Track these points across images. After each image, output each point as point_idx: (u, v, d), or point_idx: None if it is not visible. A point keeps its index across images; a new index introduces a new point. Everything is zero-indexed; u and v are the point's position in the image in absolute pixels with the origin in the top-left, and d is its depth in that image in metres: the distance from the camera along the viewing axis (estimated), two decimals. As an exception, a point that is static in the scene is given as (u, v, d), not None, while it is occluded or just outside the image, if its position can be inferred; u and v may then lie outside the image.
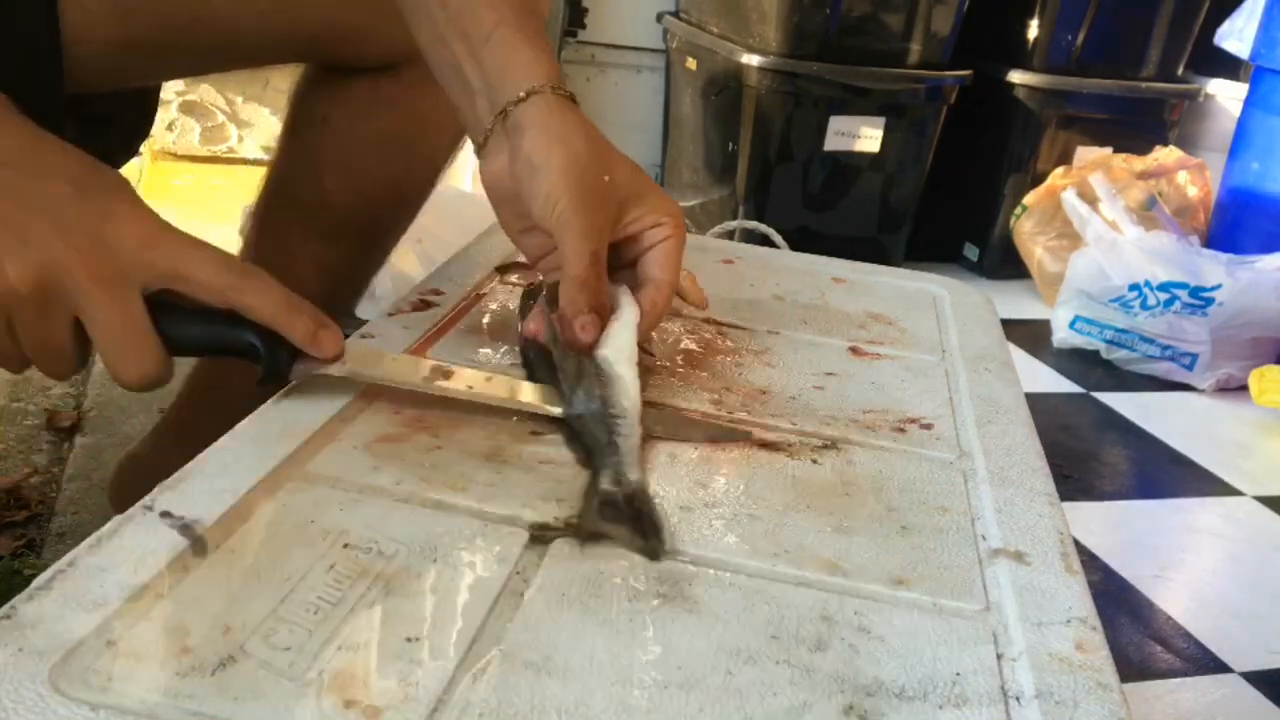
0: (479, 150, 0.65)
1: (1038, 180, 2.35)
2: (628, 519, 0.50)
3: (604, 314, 0.61)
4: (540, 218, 0.60)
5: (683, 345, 0.72)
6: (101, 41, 0.75)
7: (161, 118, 2.20)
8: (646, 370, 0.62)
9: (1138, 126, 2.45)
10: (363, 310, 1.06)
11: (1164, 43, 2.40)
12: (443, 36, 0.64)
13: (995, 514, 0.55)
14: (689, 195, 2.39)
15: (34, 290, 0.50)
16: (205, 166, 2.34)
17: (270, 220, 0.95)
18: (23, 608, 0.39)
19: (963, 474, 0.60)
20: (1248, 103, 2.33)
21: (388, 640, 0.40)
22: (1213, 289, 1.96)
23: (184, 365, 0.54)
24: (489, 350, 0.67)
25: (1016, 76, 2.35)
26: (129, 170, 0.79)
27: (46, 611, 0.39)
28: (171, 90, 2.28)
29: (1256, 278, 1.97)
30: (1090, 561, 1.39)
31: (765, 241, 1.43)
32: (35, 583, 0.40)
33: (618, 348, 0.60)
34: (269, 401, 0.56)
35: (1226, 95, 2.59)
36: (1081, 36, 2.35)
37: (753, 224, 1.57)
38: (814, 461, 0.59)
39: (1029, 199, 2.31)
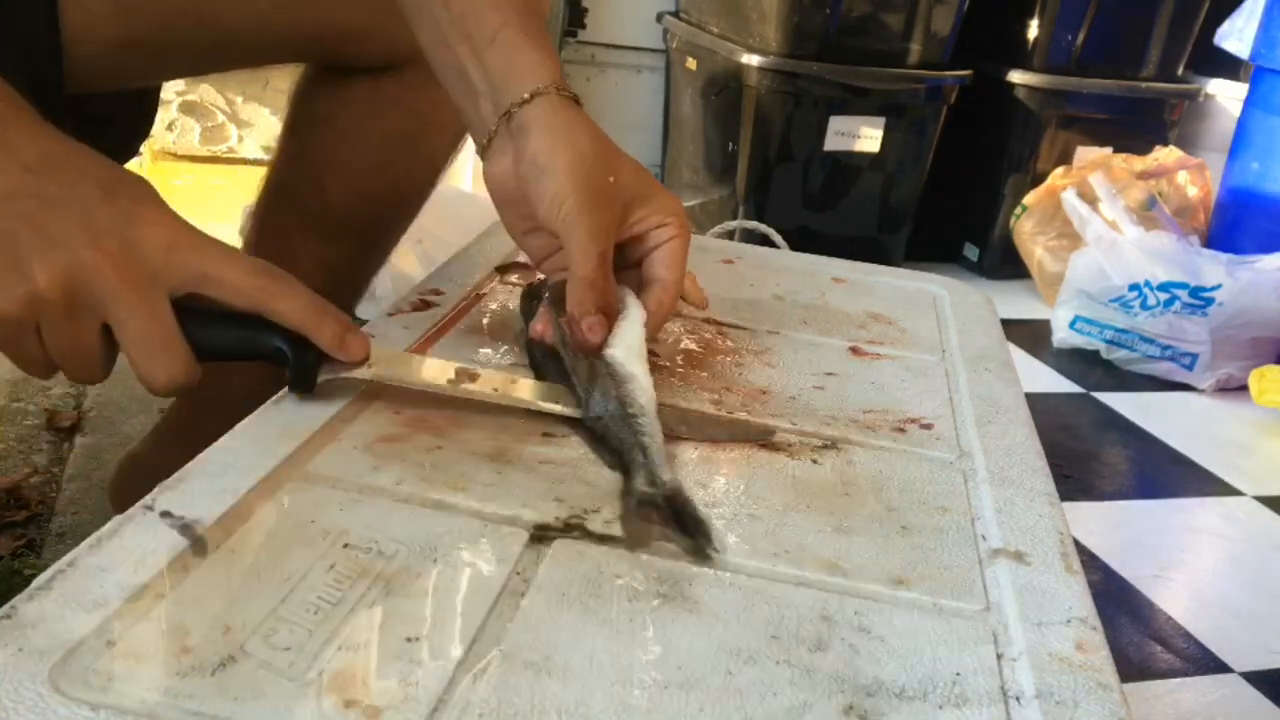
0: (483, 152, 0.65)
1: (1038, 180, 2.35)
2: (670, 520, 0.50)
3: (611, 314, 0.61)
4: (546, 219, 0.60)
5: (683, 345, 0.72)
6: (101, 41, 0.75)
7: (161, 118, 2.19)
8: (652, 369, 0.62)
9: (1138, 126, 2.45)
10: (363, 310, 1.06)
11: (1164, 43, 2.40)
12: (446, 38, 0.64)
13: (995, 514, 0.55)
14: (689, 195, 2.39)
15: (63, 293, 0.50)
16: (205, 166, 2.34)
17: (270, 220, 0.95)
18: (23, 608, 0.39)
19: (963, 474, 0.60)
20: (1248, 103, 2.33)
21: (388, 640, 0.40)
22: (1213, 289, 1.96)
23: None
24: (489, 350, 0.67)
25: (1016, 76, 2.35)
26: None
27: (46, 611, 0.39)
28: (171, 90, 2.28)
29: (1256, 278, 1.97)
30: (1090, 561, 1.39)
31: (765, 241, 1.43)
32: (35, 583, 0.40)
33: (627, 346, 0.60)
34: (269, 401, 0.56)
35: (1226, 95, 2.59)
36: (1081, 36, 2.35)
37: (753, 224, 1.57)
38: (814, 461, 0.59)
39: (1029, 199, 2.31)
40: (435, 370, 0.60)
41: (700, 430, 0.60)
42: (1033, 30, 2.35)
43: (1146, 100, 2.44)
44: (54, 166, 0.52)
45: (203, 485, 0.47)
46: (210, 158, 2.40)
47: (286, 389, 0.56)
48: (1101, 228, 2.08)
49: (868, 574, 0.49)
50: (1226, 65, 2.49)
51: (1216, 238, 2.34)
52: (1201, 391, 1.99)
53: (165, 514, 0.45)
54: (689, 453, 0.57)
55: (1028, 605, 0.48)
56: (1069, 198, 2.13)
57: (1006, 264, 2.42)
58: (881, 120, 2.22)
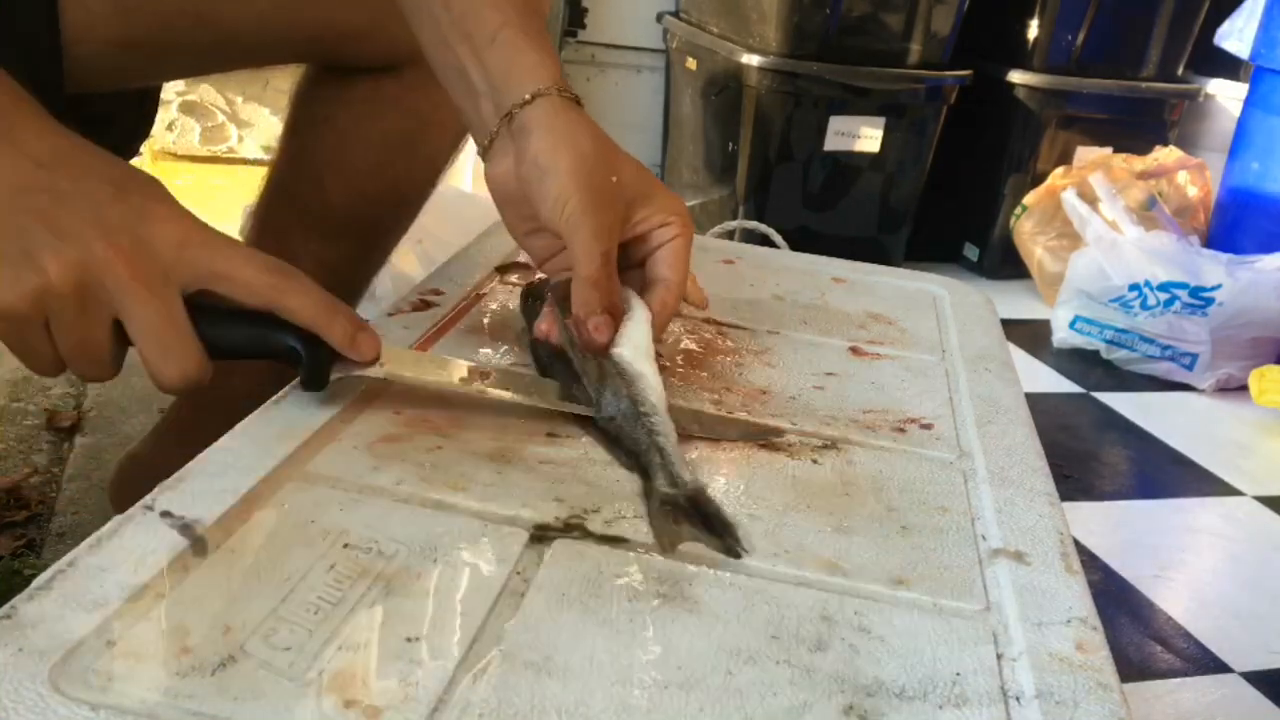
0: (484, 152, 0.65)
1: (1038, 180, 2.35)
2: (697, 520, 0.50)
3: (617, 314, 0.61)
4: (549, 219, 0.60)
5: (683, 345, 0.72)
6: (101, 41, 0.75)
7: (161, 118, 2.19)
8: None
9: (1138, 126, 2.45)
10: (363, 310, 1.05)
11: (1164, 43, 2.40)
12: (446, 38, 0.64)
13: (995, 514, 0.55)
14: (689, 195, 2.39)
15: (75, 288, 0.50)
16: (205, 166, 2.34)
17: (270, 220, 0.95)
18: (23, 608, 0.39)
19: (963, 474, 0.60)
20: (1248, 103, 2.33)
21: (388, 640, 0.40)
22: (1213, 289, 1.96)
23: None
24: (489, 350, 0.67)
25: (1016, 76, 2.35)
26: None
27: (46, 611, 0.39)
28: (171, 90, 2.28)
29: (1256, 278, 1.97)
30: (1090, 561, 1.39)
31: (765, 241, 1.43)
32: (35, 583, 0.40)
33: (634, 345, 0.60)
34: (269, 401, 0.56)
35: (1226, 95, 2.59)
36: (1081, 36, 2.35)
37: (753, 224, 1.57)
38: (814, 461, 0.59)
39: (1029, 199, 2.31)
40: (448, 369, 0.60)
41: (713, 429, 0.60)
42: (1033, 30, 2.35)
43: (1146, 100, 2.44)
44: (64, 162, 0.52)
45: (203, 485, 0.47)
46: (210, 158, 2.40)
47: (286, 389, 0.56)
48: (1101, 228, 2.08)
49: (868, 574, 0.49)
50: (1226, 65, 2.49)
51: (1216, 238, 2.34)
52: (1201, 391, 1.99)
53: (165, 514, 0.45)
54: (689, 453, 0.57)
55: (1028, 605, 0.48)
56: (1069, 198, 2.13)
57: (1006, 264, 2.42)
58: (881, 120, 2.22)
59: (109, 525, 0.44)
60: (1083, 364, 2.06)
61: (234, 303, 0.53)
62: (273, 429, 0.53)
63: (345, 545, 0.45)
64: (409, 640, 0.40)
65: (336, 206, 0.92)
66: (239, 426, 0.53)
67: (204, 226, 0.53)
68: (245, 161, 2.40)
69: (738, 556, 0.48)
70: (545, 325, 0.64)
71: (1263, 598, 1.38)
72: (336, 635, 0.40)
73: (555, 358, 0.63)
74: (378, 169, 0.92)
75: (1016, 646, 0.45)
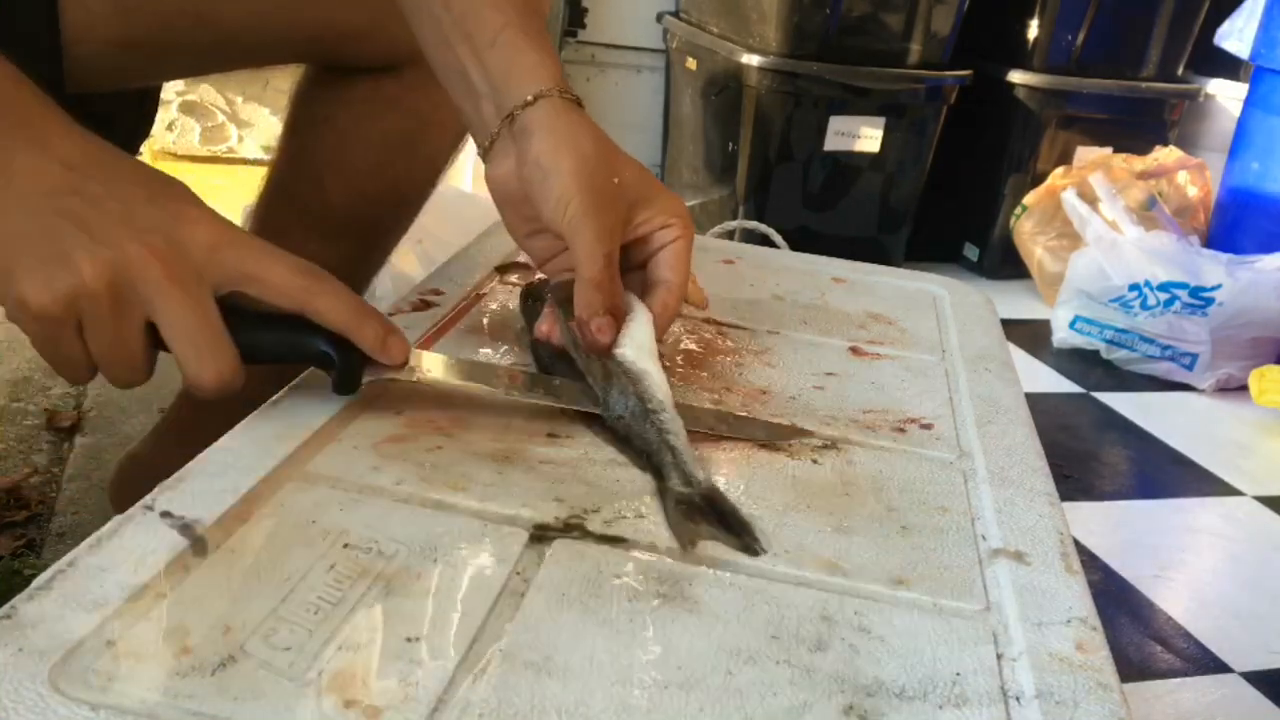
0: (484, 153, 0.65)
1: (1038, 180, 2.35)
2: (714, 518, 0.50)
3: (619, 315, 0.61)
4: (551, 220, 0.60)
5: (683, 345, 0.72)
6: (101, 41, 0.75)
7: (161, 118, 2.20)
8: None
9: (1138, 126, 2.45)
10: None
11: (1164, 43, 2.40)
12: (447, 39, 0.64)
13: (995, 514, 0.55)
14: (689, 195, 2.39)
15: (108, 288, 0.49)
16: (205, 166, 2.34)
17: (270, 220, 0.95)
18: (23, 608, 0.39)
19: (963, 474, 0.60)
20: (1248, 103, 2.33)
21: (388, 640, 0.40)
22: (1213, 289, 1.96)
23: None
24: (489, 350, 0.67)
25: (1016, 76, 2.35)
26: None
27: (46, 611, 0.39)
28: (171, 90, 2.29)
29: (1256, 278, 1.97)
30: (1090, 561, 1.39)
31: (765, 241, 1.43)
32: (35, 583, 0.40)
33: (637, 345, 0.60)
34: (269, 401, 0.56)
35: (1226, 95, 2.59)
36: (1081, 36, 2.35)
37: (753, 224, 1.57)
38: (814, 461, 0.59)
39: (1029, 199, 2.31)
40: (475, 371, 0.60)
41: (739, 429, 0.60)
42: (1033, 30, 2.35)
43: (1146, 100, 2.44)
44: (94, 165, 0.51)
45: (203, 485, 0.47)
46: (210, 158, 2.40)
47: (286, 389, 0.56)
48: (1101, 228, 2.08)
49: (868, 574, 0.49)
50: (1226, 65, 2.49)
51: (1216, 238, 2.34)
52: (1201, 391, 1.99)
53: (165, 514, 0.45)
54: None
55: (1028, 605, 0.48)
56: (1069, 198, 2.13)
57: (1006, 264, 2.42)
58: (881, 120, 2.22)
59: (109, 525, 0.44)
60: (1083, 364, 2.06)
61: (264, 305, 0.53)
62: (273, 429, 0.53)
63: (345, 545, 0.45)
64: (409, 640, 0.40)
65: (336, 206, 0.92)
66: (239, 426, 0.53)
67: (235, 229, 0.53)
68: (245, 161, 2.41)
69: (755, 554, 0.49)
70: (546, 326, 0.64)
71: (1263, 598, 1.38)
72: (336, 635, 0.40)
73: (557, 358, 0.63)
74: (378, 169, 0.92)
75: (1016, 646, 0.45)
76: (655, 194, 0.64)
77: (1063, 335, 2.10)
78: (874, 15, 2.15)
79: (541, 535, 0.48)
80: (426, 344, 0.66)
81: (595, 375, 0.60)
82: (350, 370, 0.55)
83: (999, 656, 0.44)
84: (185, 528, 0.44)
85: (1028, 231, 2.30)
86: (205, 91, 2.37)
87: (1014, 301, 2.33)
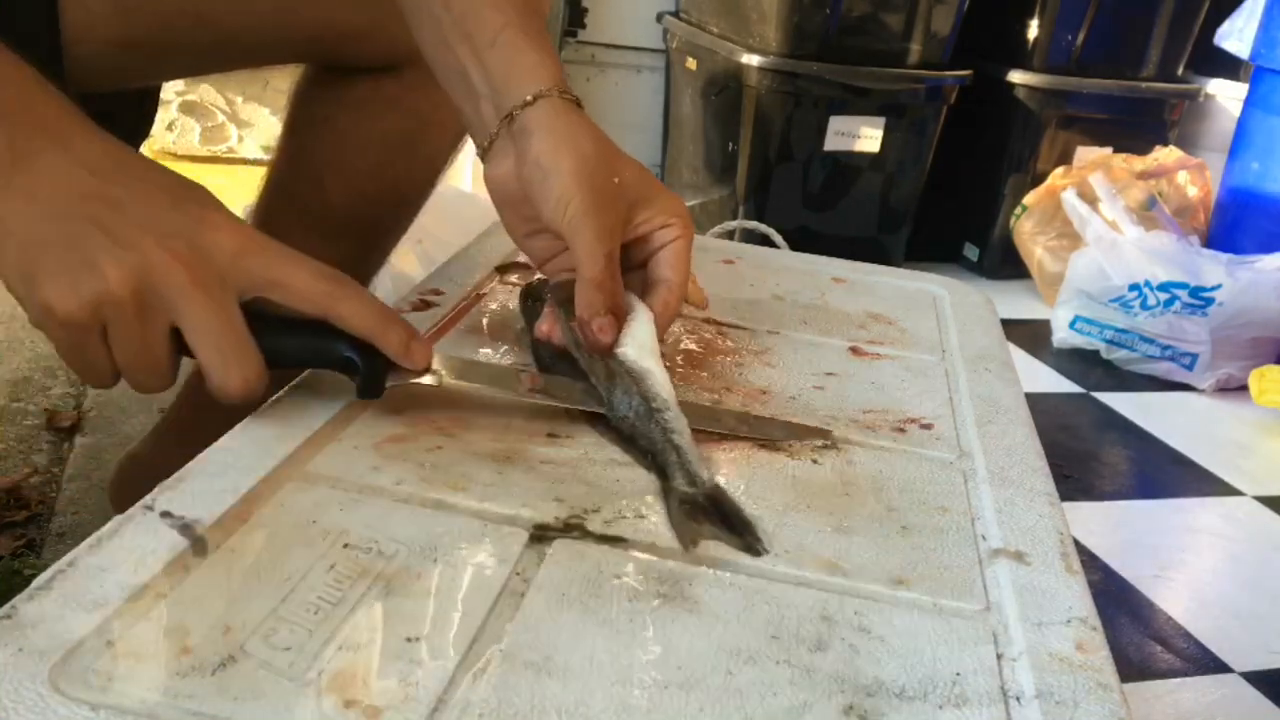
0: (483, 154, 0.65)
1: (1038, 180, 2.35)
2: (716, 518, 0.51)
3: (620, 315, 0.61)
4: (552, 220, 0.60)
5: (683, 345, 0.72)
6: (101, 41, 0.75)
7: (161, 118, 2.20)
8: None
9: (1138, 126, 2.45)
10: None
11: (1164, 43, 2.40)
12: (446, 39, 0.64)
13: (995, 514, 0.55)
14: (689, 195, 2.39)
15: (134, 294, 0.49)
16: (205, 166, 2.34)
17: (270, 220, 0.95)
18: (23, 608, 0.39)
19: (963, 474, 0.60)
20: (1248, 103, 2.33)
21: (388, 640, 0.40)
22: (1213, 289, 1.96)
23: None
24: (489, 350, 0.67)
25: (1016, 76, 2.35)
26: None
27: (46, 611, 0.39)
28: (171, 90, 2.29)
29: (1256, 278, 1.97)
30: (1090, 561, 1.39)
31: (765, 241, 1.43)
32: (35, 583, 0.40)
33: (639, 344, 0.60)
34: (269, 401, 0.56)
35: (1226, 95, 2.59)
36: (1081, 36, 2.35)
37: (753, 224, 1.57)
38: (814, 461, 0.59)
39: (1029, 199, 2.31)
40: (497, 375, 0.60)
41: (761, 429, 0.60)
42: (1033, 30, 2.35)
43: (1146, 100, 2.44)
44: (118, 170, 0.51)
45: (203, 485, 0.47)
46: (210, 158, 2.40)
47: (285, 389, 0.56)
48: (1101, 228, 2.08)
49: (868, 574, 0.49)
50: (1226, 65, 2.49)
51: (1216, 238, 2.34)
52: (1201, 391, 1.99)
53: (165, 514, 0.45)
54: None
55: (1028, 605, 0.48)
56: (1069, 198, 2.13)
57: (1006, 264, 2.42)
58: (881, 120, 2.22)
59: (109, 525, 0.44)
60: (1083, 364, 2.06)
61: (288, 310, 0.53)
62: (273, 429, 0.53)
63: (345, 545, 0.45)
64: (409, 640, 0.40)
65: (336, 206, 0.92)
66: (239, 426, 0.53)
67: (258, 235, 0.53)
68: (245, 161, 2.41)
69: (758, 554, 0.49)
70: (546, 326, 0.64)
71: (1263, 598, 1.38)
72: (336, 635, 0.40)
73: (558, 358, 0.63)
74: (377, 169, 0.92)
75: (1016, 646, 0.45)
76: (655, 194, 0.64)
77: (1063, 335, 2.10)
78: (874, 15, 2.15)
79: (541, 535, 0.48)
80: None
81: (598, 375, 0.60)
82: (374, 375, 0.55)
83: (999, 656, 0.44)
84: (185, 528, 0.44)
85: (1028, 231, 2.30)
86: (205, 91, 2.37)
87: (1014, 301, 2.33)
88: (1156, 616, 1.30)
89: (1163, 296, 1.99)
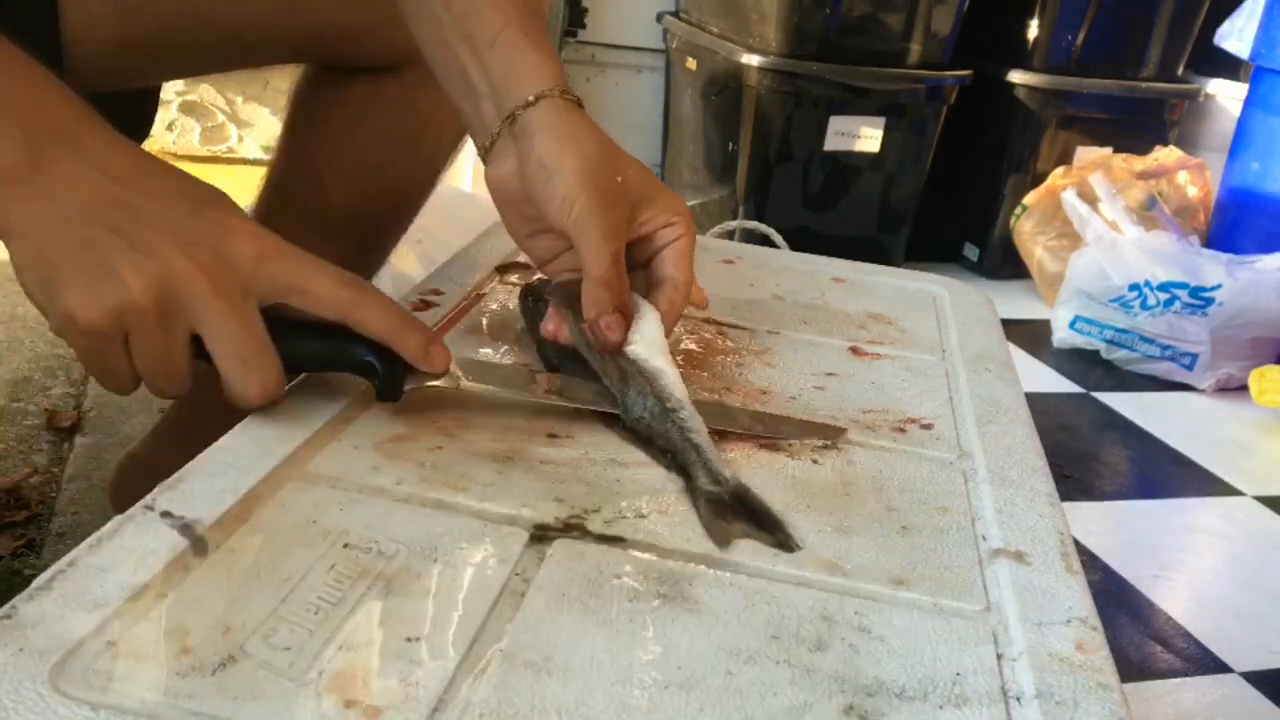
0: (484, 154, 0.65)
1: (1038, 180, 2.35)
2: (745, 516, 0.51)
3: (627, 313, 0.61)
4: (557, 220, 0.60)
5: (683, 345, 0.72)
6: (101, 41, 0.75)
7: (161, 118, 2.20)
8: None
9: (1138, 126, 2.45)
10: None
11: (1164, 43, 2.40)
12: (446, 39, 0.64)
13: (995, 514, 0.55)
14: (689, 195, 2.39)
15: (156, 303, 0.49)
16: (205, 166, 2.34)
17: (270, 220, 0.94)
18: (23, 608, 0.39)
19: (963, 474, 0.60)
20: (1248, 103, 2.33)
21: (388, 640, 0.40)
22: (1213, 289, 1.96)
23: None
24: (490, 350, 0.67)
25: (1016, 76, 2.35)
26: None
27: (46, 611, 0.39)
28: (171, 90, 2.29)
29: (1256, 278, 1.97)
30: (1090, 561, 1.39)
31: (765, 241, 1.43)
32: (35, 583, 0.40)
33: (649, 342, 0.60)
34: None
35: (1226, 95, 2.59)
36: (1081, 36, 2.35)
37: (753, 224, 1.57)
38: (814, 461, 0.59)
39: (1029, 199, 2.31)
40: (515, 377, 0.61)
41: (775, 428, 0.61)
42: (1033, 30, 2.35)
43: (1146, 100, 2.44)
44: (136, 175, 0.51)
45: (203, 485, 0.47)
46: (210, 158, 2.40)
47: (285, 389, 0.56)
48: (1101, 228, 2.08)
49: (868, 574, 0.49)
50: (1226, 65, 2.49)
51: (1216, 238, 2.34)
52: (1201, 391, 1.99)
53: (165, 514, 0.45)
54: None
55: (1028, 605, 0.48)
56: (1069, 198, 2.13)
57: (1006, 264, 2.42)
58: (881, 120, 2.22)
59: (109, 525, 0.44)
60: (1083, 364, 2.06)
61: (307, 315, 0.53)
62: (273, 429, 0.53)
63: (345, 545, 0.45)
64: (409, 640, 0.40)
65: (336, 206, 0.92)
66: (239, 426, 0.53)
67: (278, 240, 0.53)
68: (245, 161, 2.41)
69: (791, 550, 0.49)
70: (552, 326, 0.64)
71: (1263, 598, 1.38)
72: (336, 635, 0.40)
73: (566, 357, 0.63)
74: (377, 169, 0.92)
75: (1016, 646, 0.45)
76: (657, 193, 0.64)
77: (1063, 335, 2.10)
78: (874, 15, 2.15)
79: (542, 535, 0.48)
80: (426, 344, 0.66)
81: (611, 377, 0.60)
82: (393, 379, 0.55)
83: (999, 656, 0.44)
84: (185, 528, 0.44)
85: (1028, 231, 2.30)
86: (205, 91, 2.37)
87: (1014, 301, 2.33)
88: (1156, 616, 1.30)
89: (1163, 296, 1.99)
